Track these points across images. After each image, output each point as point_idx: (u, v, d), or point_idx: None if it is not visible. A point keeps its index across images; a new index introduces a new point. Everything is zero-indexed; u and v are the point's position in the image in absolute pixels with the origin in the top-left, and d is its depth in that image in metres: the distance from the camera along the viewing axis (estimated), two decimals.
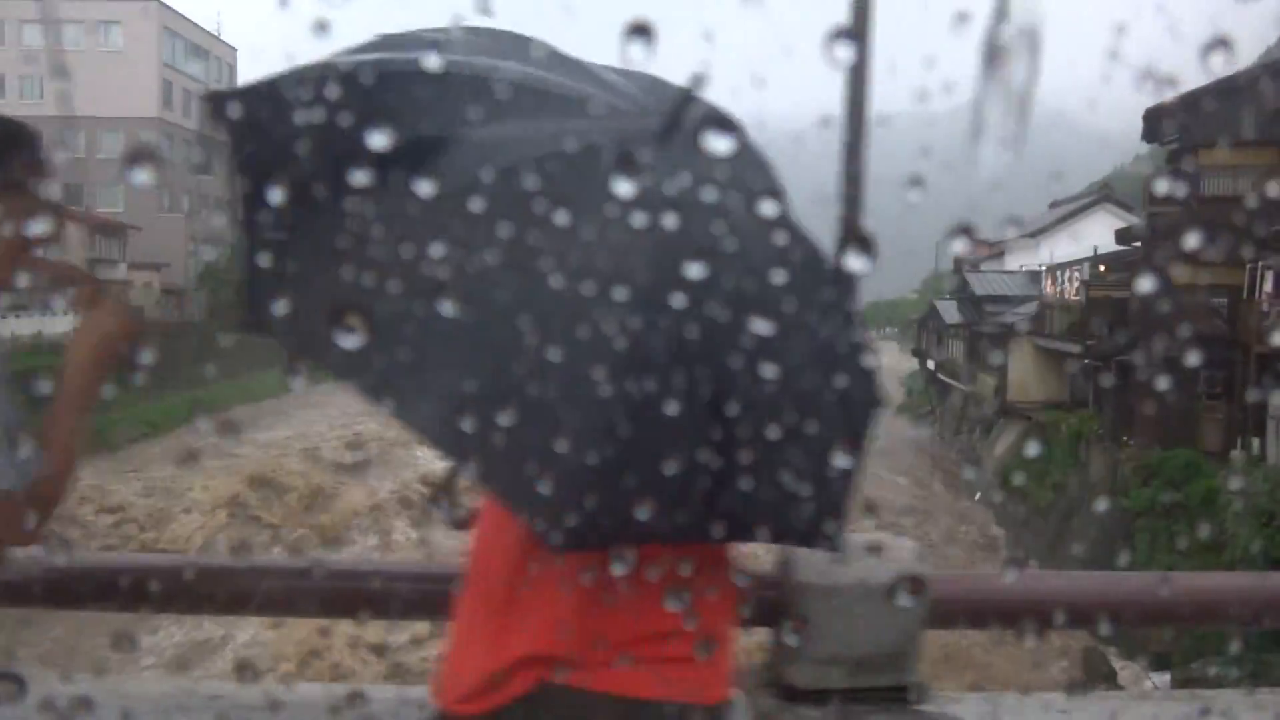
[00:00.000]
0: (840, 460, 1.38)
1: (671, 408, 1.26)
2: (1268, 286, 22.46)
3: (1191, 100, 23.19)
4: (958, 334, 42.34)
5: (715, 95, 1.47)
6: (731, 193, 1.41)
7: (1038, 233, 44.72)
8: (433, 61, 1.41)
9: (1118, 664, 19.43)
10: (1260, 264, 22.02)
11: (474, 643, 1.61)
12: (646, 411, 1.25)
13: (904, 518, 30.91)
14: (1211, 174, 22.86)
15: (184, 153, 66.58)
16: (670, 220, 1.31)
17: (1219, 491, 21.12)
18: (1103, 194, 47.24)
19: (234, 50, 74.88)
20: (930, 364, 46.60)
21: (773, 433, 1.32)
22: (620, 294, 1.26)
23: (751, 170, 1.50)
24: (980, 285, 39.41)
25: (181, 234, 62.53)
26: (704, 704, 1.59)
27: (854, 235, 1.44)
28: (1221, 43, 1.49)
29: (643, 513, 1.27)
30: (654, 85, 1.56)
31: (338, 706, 2.31)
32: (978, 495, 33.38)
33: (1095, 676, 18.34)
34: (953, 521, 31.13)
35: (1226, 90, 22.38)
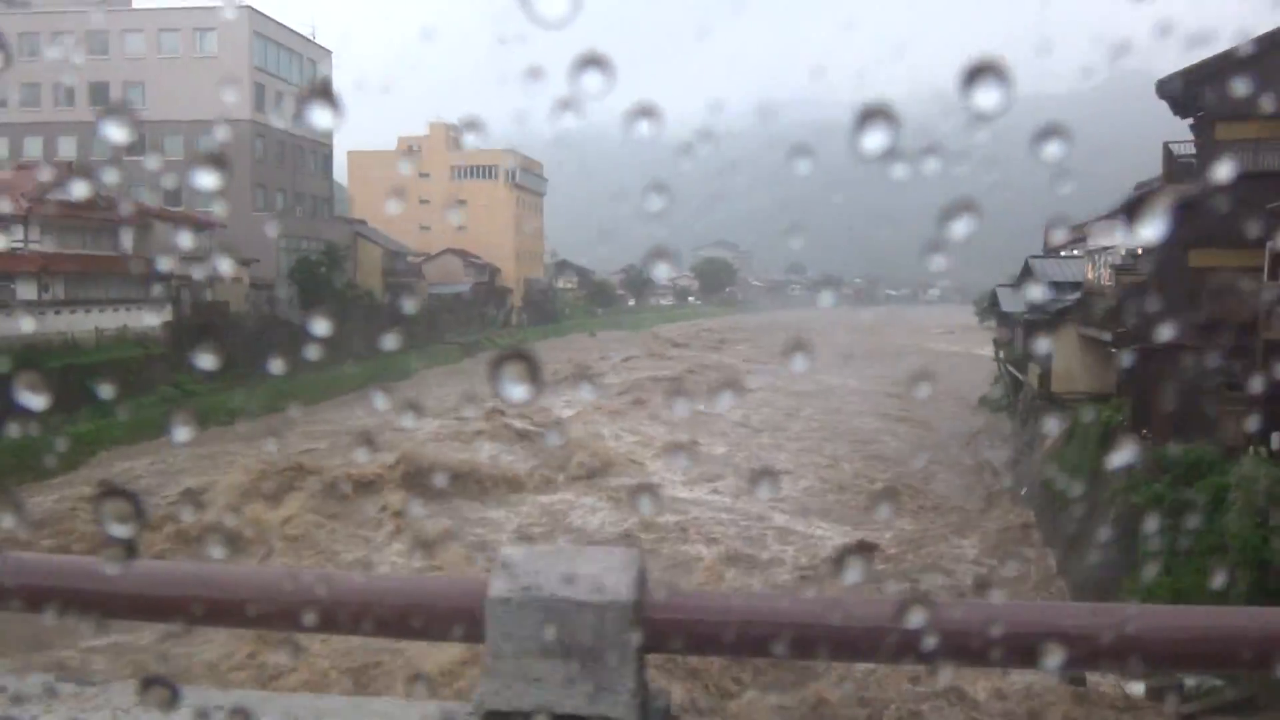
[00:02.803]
0: None
1: None
2: None
3: (1213, 69, 21.88)
4: (1019, 322, 40.83)
5: None
6: None
7: (1114, 214, 42.76)
8: None
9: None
10: None
11: None
12: None
13: (933, 510, 30.13)
14: (1235, 148, 21.46)
15: (277, 153, 68.75)
16: None
17: (1229, 489, 19.91)
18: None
19: (328, 53, 77.03)
20: (1001, 354, 45.09)
21: None
22: None
23: None
24: (1042, 271, 37.91)
25: (272, 231, 64.65)
26: None
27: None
28: None
29: None
30: None
31: None
32: (1024, 490, 32.26)
33: (1066, 685, 17.51)
34: (988, 514, 30.17)
35: (1250, 59, 21.10)
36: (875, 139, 1.61)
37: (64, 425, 34.80)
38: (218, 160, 2.23)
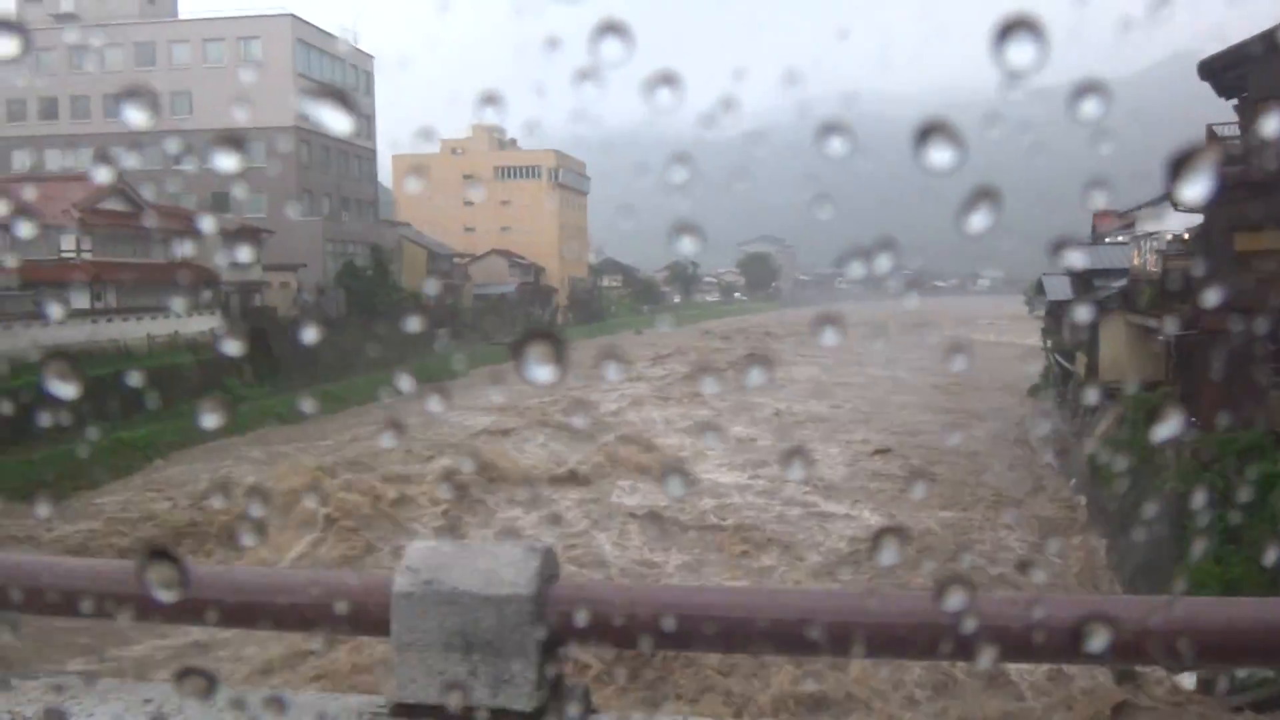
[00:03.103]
0: None
1: None
2: None
3: (1256, 49, 21.45)
4: (1066, 311, 40.24)
5: None
6: None
7: (1160, 200, 42.03)
8: None
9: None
10: None
11: None
12: None
13: (980, 500, 29.84)
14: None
15: (322, 158, 69.53)
16: None
17: (1279, 475, 19.51)
18: None
19: (370, 57, 77.78)
20: (1049, 343, 44.50)
21: None
22: None
23: None
24: (1088, 259, 37.33)
25: (319, 236, 65.38)
26: None
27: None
28: None
29: None
30: None
31: None
32: (1072, 481, 31.83)
33: (1116, 677, 17.28)
34: (1036, 503, 29.83)
35: None
36: (940, 156, 1.61)
37: (116, 431, 35.49)
38: (236, 142, 2.25)
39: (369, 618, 2.22)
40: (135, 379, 38.25)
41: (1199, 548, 19.78)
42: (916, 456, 36.75)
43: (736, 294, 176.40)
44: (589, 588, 2.29)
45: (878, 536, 2.40)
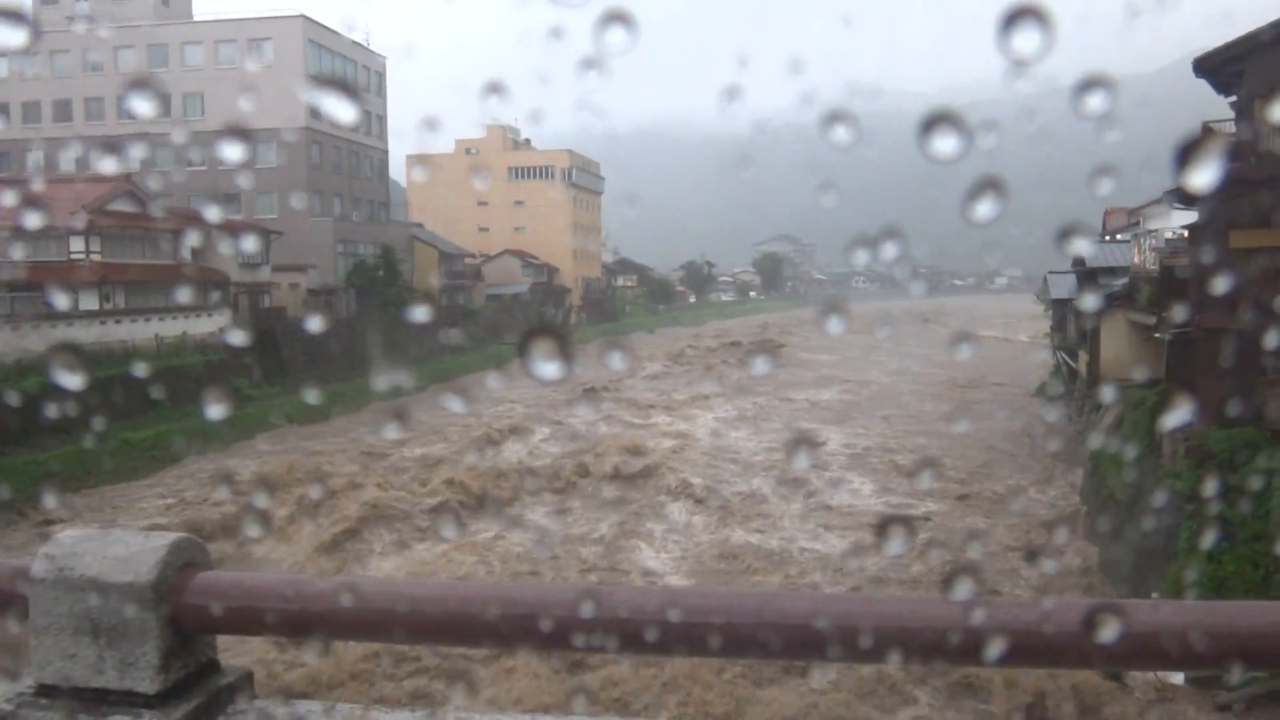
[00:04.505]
0: None
1: None
2: None
3: (1253, 45, 21.28)
4: (1071, 310, 40.03)
5: None
6: None
7: (1164, 198, 41.77)
8: None
9: None
10: None
11: None
12: None
13: (980, 497, 29.73)
14: (1271, 125, 20.77)
15: (333, 159, 69.84)
16: None
17: (1275, 473, 19.36)
18: None
19: (383, 58, 78.05)
20: (1055, 340, 44.26)
21: None
22: None
23: None
24: (1094, 256, 37.15)
25: (330, 236, 65.63)
26: None
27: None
28: None
29: None
30: None
31: None
32: (1075, 478, 31.68)
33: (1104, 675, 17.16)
34: (1038, 502, 29.70)
35: None
36: (945, 144, 1.62)
37: (123, 431, 35.74)
38: (242, 132, 2.29)
39: (10, 602, 2.31)
40: (143, 380, 38.49)
41: (1193, 544, 19.67)
42: (920, 452, 36.66)
43: (752, 293, 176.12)
44: (234, 579, 2.35)
45: (883, 527, 2.36)
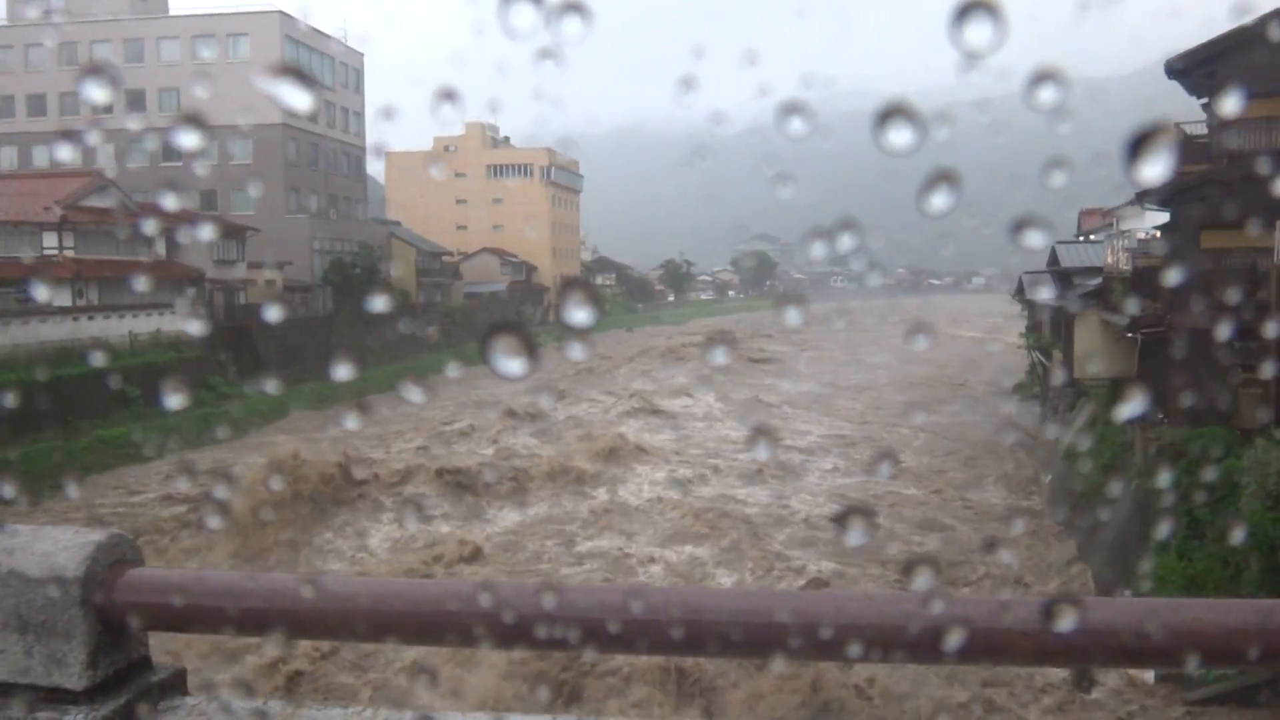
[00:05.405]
0: None
1: None
2: None
3: (1222, 47, 21.49)
4: (1045, 309, 40.32)
5: None
6: None
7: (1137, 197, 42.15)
8: None
9: None
10: None
11: None
12: None
13: (948, 499, 29.90)
14: (1242, 128, 21.04)
15: (310, 156, 69.49)
16: None
17: (1243, 473, 19.54)
18: None
19: (360, 55, 77.69)
20: (1030, 340, 44.55)
21: None
22: None
23: None
24: (1067, 257, 37.42)
25: (306, 233, 65.31)
26: None
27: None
28: None
29: None
30: None
31: None
32: (1048, 478, 31.90)
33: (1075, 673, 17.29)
34: (1009, 503, 29.89)
35: (1260, 36, 20.68)
36: (900, 136, 1.62)
37: (95, 429, 35.46)
38: (198, 121, 2.24)
39: None
40: (116, 377, 38.15)
41: (1163, 542, 19.85)
42: (892, 452, 36.83)
43: (731, 292, 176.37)
44: (165, 576, 2.35)
45: (843, 517, 2.23)
